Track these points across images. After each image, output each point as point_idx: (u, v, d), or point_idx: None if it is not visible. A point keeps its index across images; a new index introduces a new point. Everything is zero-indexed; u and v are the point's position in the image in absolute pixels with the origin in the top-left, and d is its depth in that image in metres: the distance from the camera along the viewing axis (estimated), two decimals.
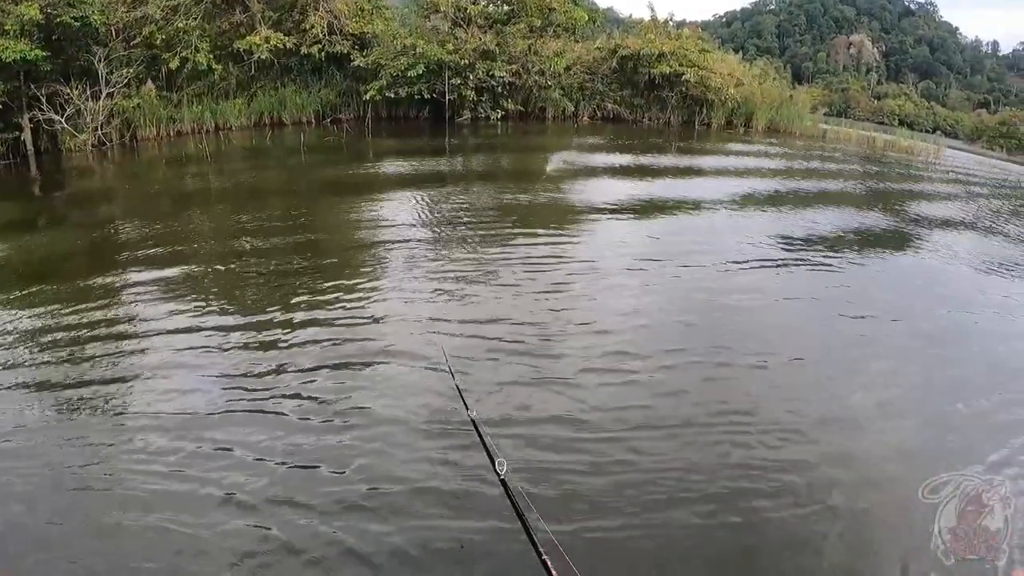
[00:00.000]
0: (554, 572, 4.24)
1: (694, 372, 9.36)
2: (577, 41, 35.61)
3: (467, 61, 29.79)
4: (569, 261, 13.30)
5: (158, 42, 26.61)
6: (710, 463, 7.38)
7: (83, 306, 10.97)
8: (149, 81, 26.60)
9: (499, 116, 32.11)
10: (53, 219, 17.40)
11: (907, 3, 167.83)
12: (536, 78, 32.29)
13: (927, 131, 72.41)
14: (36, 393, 8.51)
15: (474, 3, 31.67)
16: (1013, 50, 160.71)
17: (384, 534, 6.16)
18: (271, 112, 30.09)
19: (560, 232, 15.58)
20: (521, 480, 6.74)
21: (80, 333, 10.05)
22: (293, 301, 11.16)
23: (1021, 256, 16.42)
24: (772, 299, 12.19)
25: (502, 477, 4.75)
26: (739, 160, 28.13)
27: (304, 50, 29.20)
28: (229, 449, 7.36)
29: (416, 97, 30.70)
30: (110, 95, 24.54)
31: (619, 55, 33.38)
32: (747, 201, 20.07)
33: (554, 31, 33.60)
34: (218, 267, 12.97)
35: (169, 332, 10.10)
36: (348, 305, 11.06)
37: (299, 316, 10.63)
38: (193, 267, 12.83)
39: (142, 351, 9.58)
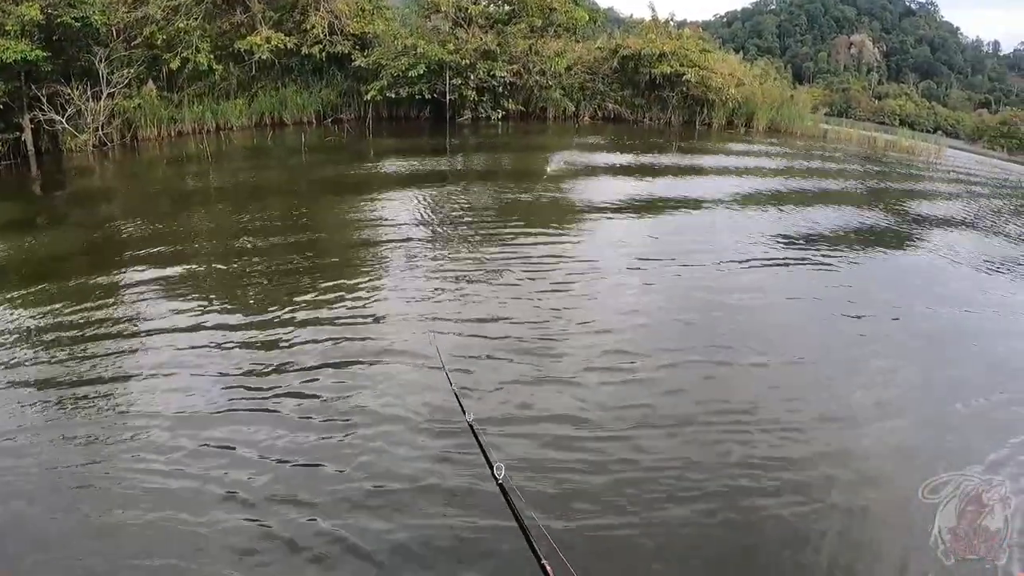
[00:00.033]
0: None
1: (694, 371, 9.37)
2: (578, 41, 35.69)
3: (468, 61, 29.82)
4: (570, 260, 13.31)
5: (159, 42, 26.64)
6: (710, 461, 7.38)
7: (84, 305, 10.98)
8: (150, 81, 26.60)
9: (500, 116, 32.15)
10: (54, 219, 17.42)
11: (908, 3, 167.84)
12: (537, 78, 32.33)
13: (928, 131, 72.33)
14: (37, 392, 8.51)
15: (475, 3, 31.68)
16: (1014, 50, 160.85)
17: (386, 532, 6.17)
18: (272, 112, 30.09)
19: (561, 231, 15.59)
20: (522, 479, 6.77)
21: (81, 332, 10.06)
22: (294, 300, 11.16)
23: (1022, 256, 16.42)
24: (772, 298, 12.20)
25: (500, 482, 4.75)
26: (740, 160, 28.16)
27: (305, 50, 29.24)
28: (230, 448, 7.37)
29: (417, 97, 30.73)
30: (111, 95, 24.55)
31: (620, 55, 33.43)
32: (748, 201, 20.08)
33: (555, 31, 33.64)
34: (219, 266, 12.99)
35: (170, 331, 10.11)
36: (349, 304, 11.08)
37: (300, 315, 10.63)
38: (194, 266, 12.86)
39: (143, 350, 9.58)
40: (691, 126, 34.27)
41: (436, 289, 11.76)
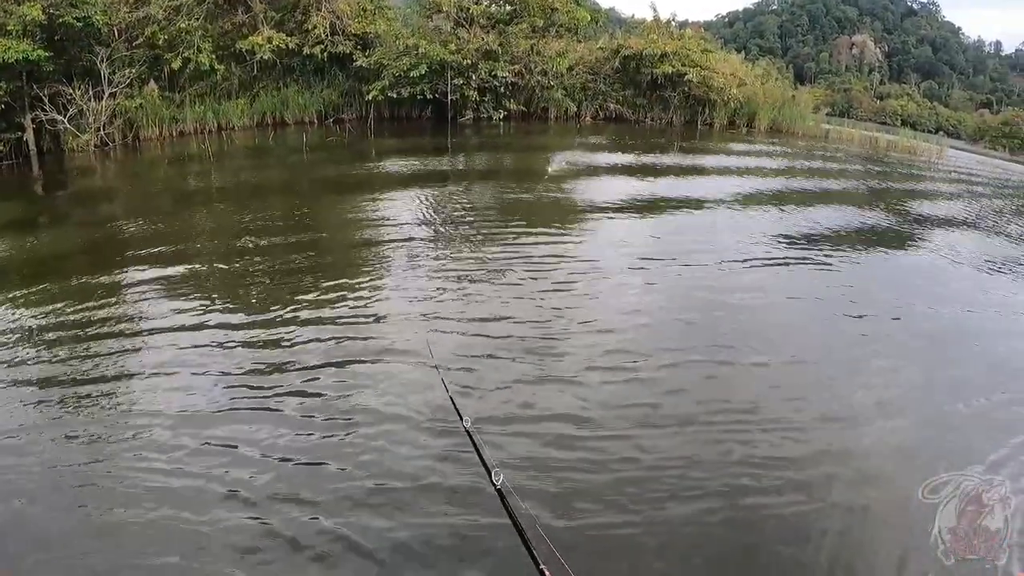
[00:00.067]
0: None
1: (696, 370, 9.37)
2: (579, 41, 35.66)
3: (469, 61, 29.82)
4: (571, 260, 13.31)
5: (160, 42, 26.62)
6: (712, 460, 7.39)
7: (86, 304, 11.00)
8: (152, 81, 26.58)
9: (501, 116, 32.13)
10: (56, 218, 17.46)
11: (909, 3, 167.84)
12: (539, 78, 32.33)
13: (930, 131, 72.32)
14: (39, 391, 8.52)
15: (476, 3, 31.62)
16: (1016, 50, 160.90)
17: (387, 530, 6.18)
18: (273, 112, 30.11)
19: (562, 231, 15.59)
20: (525, 477, 6.83)
21: (83, 331, 10.07)
22: (296, 299, 11.18)
23: (1023, 256, 16.40)
24: (774, 298, 12.20)
25: (498, 487, 4.75)
26: (741, 160, 28.19)
27: (306, 50, 29.24)
28: (232, 446, 7.38)
29: (419, 97, 30.72)
30: (112, 95, 24.56)
31: (621, 55, 33.41)
32: (749, 200, 20.09)
33: (556, 31, 33.59)
34: (221, 265, 13.00)
35: (172, 330, 10.12)
36: (351, 303, 11.09)
37: (302, 314, 10.64)
38: (196, 266, 12.88)
39: (145, 349, 9.60)
40: (693, 126, 34.26)
41: (438, 288, 11.77)
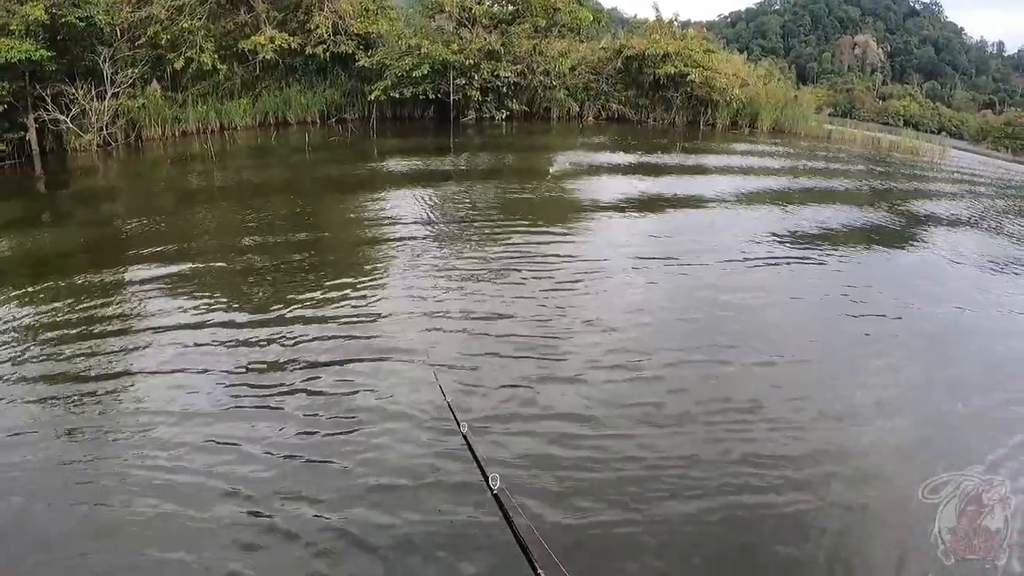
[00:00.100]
0: None
1: (698, 370, 9.39)
2: (582, 41, 35.67)
3: (472, 61, 29.82)
4: (574, 259, 13.31)
5: (163, 42, 26.71)
6: (712, 459, 7.41)
7: (89, 303, 11.05)
8: (154, 81, 26.61)
9: (504, 116, 32.11)
10: (59, 217, 17.51)
11: (912, 3, 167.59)
12: (541, 78, 32.34)
13: (932, 132, 72.25)
14: (42, 388, 8.57)
15: (479, 3, 31.64)
16: (1019, 50, 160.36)
17: (390, 527, 6.21)
18: (276, 112, 30.17)
19: (565, 231, 15.60)
20: (527, 476, 6.88)
21: (86, 329, 10.11)
22: (299, 298, 11.22)
23: None
24: (776, 298, 12.22)
25: (495, 492, 4.75)
26: (744, 160, 28.21)
27: (309, 50, 29.26)
28: (235, 444, 7.42)
29: (421, 97, 30.69)
30: (115, 95, 24.59)
31: (624, 55, 33.41)
32: (752, 200, 20.13)
33: (559, 31, 33.57)
34: (224, 264, 13.04)
35: (174, 328, 10.16)
36: (354, 302, 11.13)
37: (304, 313, 10.68)
38: (199, 264, 12.91)
39: (147, 347, 9.62)
40: (695, 126, 34.23)
41: (440, 287, 11.79)
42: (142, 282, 12.01)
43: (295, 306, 10.89)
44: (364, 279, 12.18)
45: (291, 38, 28.58)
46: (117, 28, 25.69)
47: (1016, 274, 14.76)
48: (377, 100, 30.24)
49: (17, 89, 21.59)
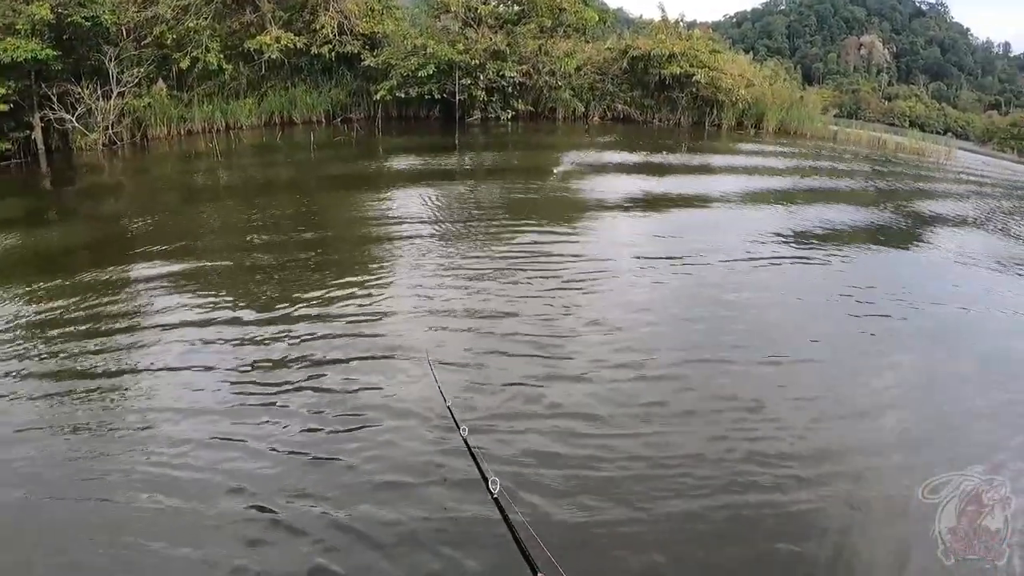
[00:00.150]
0: None
1: (703, 369, 9.38)
2: (587, 41, 35.64)
3: (477, 61, 29.77)
4: (579, 259, 13.30)
5: (169, 42, 26.78)
6: (716, 458, 7.40)
7: (95, 300, 11.10)
8: (160, 80, 26.75)
9: (509, 116, 32.10)
10: (65, 215, 17.61)
11: (918, 4, 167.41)
12: (546, 78, 32.31)
13: (938, 133, 72.44)
14: (47, 384, 8.60)
15: (484, 3, 31.70)
16: None
17: (394, 523, 6.22)
18: (281, 111, 30.25)
19: (570, 230, 15.61)
20: (532, 474, 6.88)
21: (92, 326, 10.15)
22: (304, 296, 11.25)
23: None
24: (781, 297, 12.20)
25: (495, 496, 4.74)
26: (749, 160, 28.19)
27: (314, 50, 29.35)
28: (240, 440, 7.43)
29: (426, 97, 30.74)
30: (121, 94, 24.70)
31: (629, 56, 33.30)
32: (757, 200, 20.16)
33: (564, 31, 33.59)
34: (229, 262, 13.07)
35: (181, 326, 10.19)
36: (359, 300, 11.15)
37: (310, 311, 10.71)
38: (204, 262, 12.95)
39: (154, 344, 9.65)
40: (701, 127, 34.20)
41: (445, 286, 11.79)
42: (148, 280, 12.07)
43: (301, 304, 10.91)
44: (370, 277, 12.19)
45: (297, 38, 28.65)
46: (123, 28, 25.76)
47: (1021, 275, 14.72)
48: (383, 100, 30.26)
49: (23, 88, 21.68)
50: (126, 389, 8.52)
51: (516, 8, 32.67)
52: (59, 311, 10.67)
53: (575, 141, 30.60)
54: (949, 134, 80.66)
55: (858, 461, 7.57)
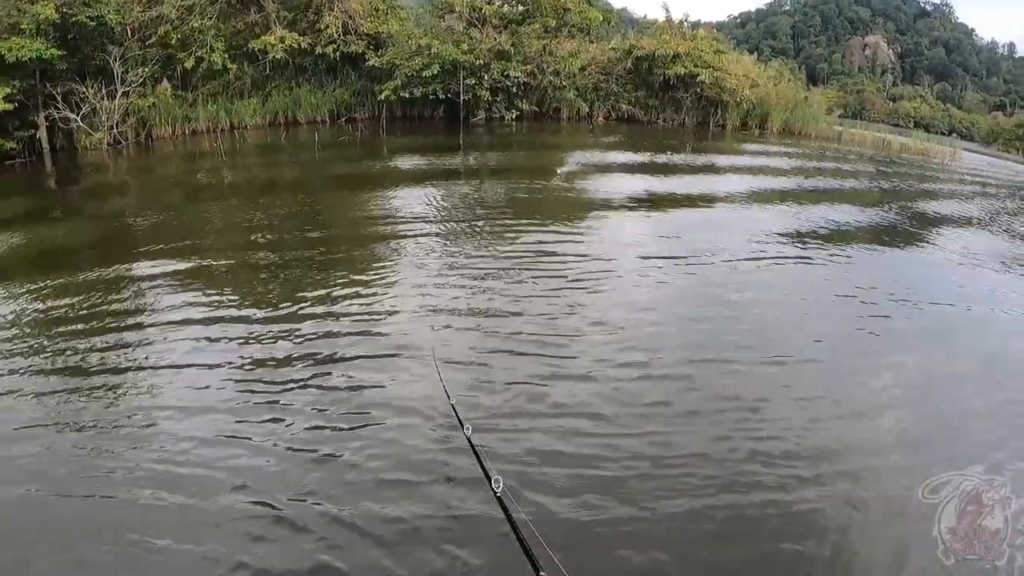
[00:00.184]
0: None
1: (707, 368, 9.38)
2: (592, 42, 35.64)
3: (482, 61, 29.83)
4: (583, 258, 13.30)
5: (173, 42, 26.85)
6: (719, 457, 7.41)
7: (100, 298, 11.13)
8: (164, 80, 26.78)
9: (514, 116, 32.15)
10: (70, 214, 17.66)
11: (922, 4, 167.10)
12: (551, 78, 32.35)
13: (943, 133, 72.24)
14: (51, 380, 8.63)
15: (489, 3, 31.65)
16: None
17: (398, 520, 6.22)
18: (286, 111, 30.30)
19: (574, 230, 15.61)
20: (535, 473, 6.89)
21: (96, 324, 10.19)
22: (308, 295, 11.27)
23: None
24: (784, 297, 12.20)
25: (498, 494, 4.74)
26: (754, 160, 28.21)
27: (319, 50, 29.37)
28: (244, 438, 7.44)
29: (431, 97, 30.79)
30: (125, 94, 24.78)
31: (634, 56, 33.35)
32: (761, 201, 20.15)
33: (569, 31, 33.62)
34: (233, 261, 13.12)
35: (185, 324, 10.21)
36: (364, 299, 11.16)
37: (315, 309, 10.73)
38: (208, 261, 12.98)
39: (158, 342, 9.66)
40: (705, 127, 34.22)
41: (450, 285, 11.80)
42: (153, 278, 12.09)
43: (305, 303, 10.94)
44: (374, 276, 12.20)
45: (301, 38, 28.70)
46: (128, 27, 25.81)
47: None
48: (387, 100, 30.31)
49: (28, 87, 21.77)
50: (131, 386, 8.54)
51: (520, 8, 32.66)
52: (64, 309, 10.71)
53: (579, 141, 30.63)
54: (954, 135, 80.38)
55: (862, 460, 7.57)
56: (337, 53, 29.61)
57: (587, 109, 34.04)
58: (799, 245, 15.20)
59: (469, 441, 5.63)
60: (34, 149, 22.85)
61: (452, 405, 6.49)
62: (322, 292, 11.40)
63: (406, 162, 24.23)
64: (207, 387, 8.52)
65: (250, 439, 7.40)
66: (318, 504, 6.41)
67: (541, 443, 7.43)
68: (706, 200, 19.60)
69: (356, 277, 12.07)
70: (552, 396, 8.38)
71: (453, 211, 16.86)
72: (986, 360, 10.29)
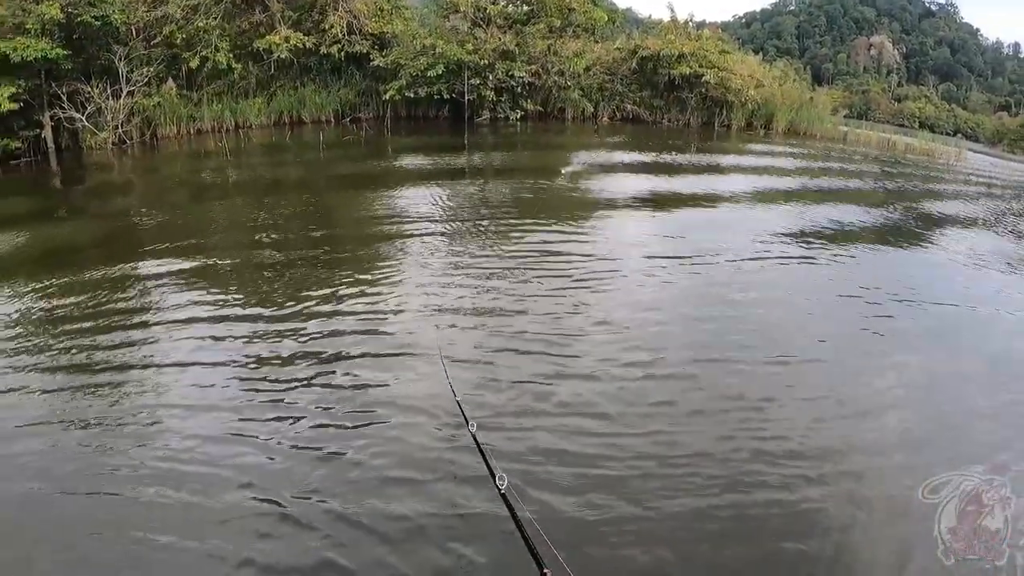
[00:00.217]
0: None
1: (711, 368, 9.39)
2: (597, 42, 35.58)
3: (487, 61, 29.79)
4: (587, 258, 13.32)
5: (178, 41, 26.85)
6: (723, 456, 7.41)
7: (105, 296, 11.17)
8: (169, 80, 26.76)
9: (518, 116, 32.07)
10: (75, 213, 17.67)
11: (927, 4, 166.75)
12: (555, 78, 32.31)
13: (948, 134, 72.11)
14: (57, 379, 8.65)
15: (494, 3, 31.61)
16: None
17: (403, 518, 6.23)
18: (291, 111, 30.29)
19: (579, 229, 15.62)
20: (540, 472, 6.90)
21: (101, 322, 10.21)
22: (312, 294, 11.28)
23: None
24: (788, 297, 12.19)
25: (502, 492, 4.76)
26: (759, 160, 28.16)
27: (324, 50, 29.34)
28: (249, 436, 7.47)
29: (436, 97, 30.68)
30: (130, 93, 24.74)
31: (639, 56, 33.33)
32: (766, 201, 20.15)
33: (574, 31, 33.56)
34: (239, 260, 13.15)
35: (190, 322, 10.24)
36: (368, 298, 11.19)
37: (320, 308, 10.75)
38: (213, 260, 13.02)
39: (163, 340, 9.70)
40: (710, 127, 34.15)
41: (455, 284, 11.82)
42: (158, 277, 12.12)
43: (310, 301, 10.95)
44: (379, 275, 12.22)
45: (306, 38, 28.65)
46: (132, 27, 25.81)
47: None
48: (392, 100, 30.31)
49: (33, 87, 21.73)
50: (136, 384, 8.56)
51: (525, 8, 32.61)
52: (69, 307, 10.74)
53: (584, 141, 30.64)
54: (959, 135, 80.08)
55: (864, 460, 7.58)
56: (342, 53, 29.60)
57: (592, 109, 34.01)
58: (803, 245, 15.18)
59: (474, 439, 5.65)
60: (39, 148, 22.81)
61: (458, 402, 6.51)
62: (327, 291, 11.41)
63: (410, 162, 24.25)
64: (212, 385, 8.55)
65: (255, 437, 7.42)
66: (323, 502, 6.43)
67: (546, 442, 7.44)
68: (710, 200, 19.58)
69: (361, 276, 12.10)
70: (557, 395, 8.39)
71: (458, 211, 16.88)
72: (991, 361, 10.28)
